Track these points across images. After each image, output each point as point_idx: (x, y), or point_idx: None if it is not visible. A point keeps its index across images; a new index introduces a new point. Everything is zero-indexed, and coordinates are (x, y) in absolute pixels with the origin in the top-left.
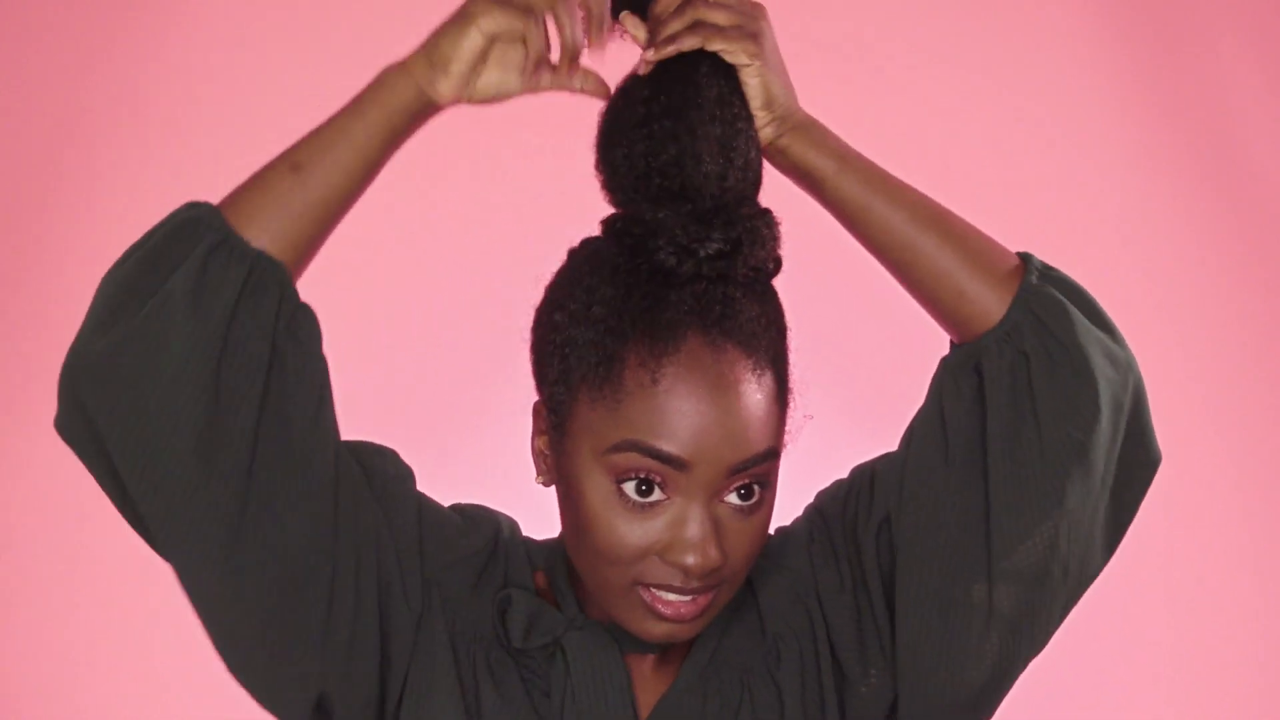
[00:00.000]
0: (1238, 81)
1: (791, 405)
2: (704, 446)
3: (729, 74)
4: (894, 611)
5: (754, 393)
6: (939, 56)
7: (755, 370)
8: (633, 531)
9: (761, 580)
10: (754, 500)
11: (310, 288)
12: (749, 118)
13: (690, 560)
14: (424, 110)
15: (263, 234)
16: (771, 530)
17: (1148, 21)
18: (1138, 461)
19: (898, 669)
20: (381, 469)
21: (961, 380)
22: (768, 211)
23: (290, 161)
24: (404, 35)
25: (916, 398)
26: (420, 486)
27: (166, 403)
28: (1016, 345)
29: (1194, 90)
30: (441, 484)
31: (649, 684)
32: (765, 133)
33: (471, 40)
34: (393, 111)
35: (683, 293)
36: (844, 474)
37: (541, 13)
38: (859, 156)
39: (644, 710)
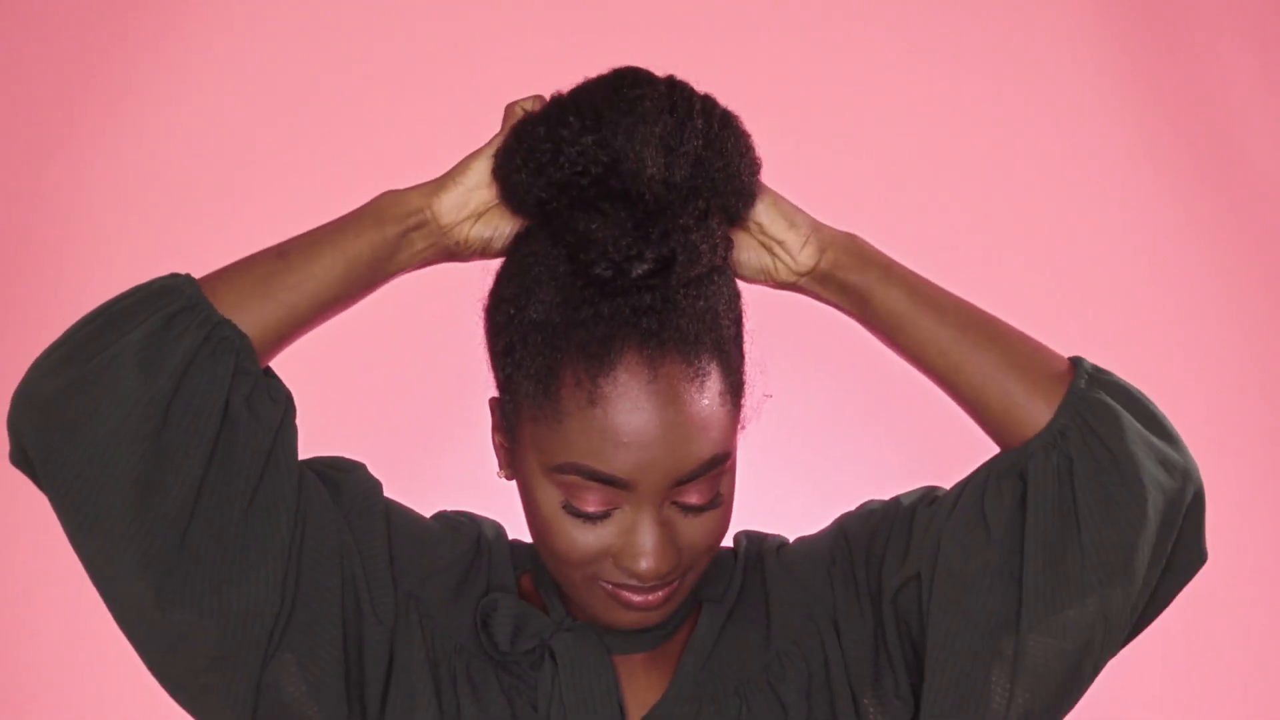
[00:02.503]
0: (1238, 81)
1: (747, 392)
2: (646, 465)
3: (674, 85)
4: (908, 658)
5: (697, 400)
6: (939, 57)
7: (697, 377)
8: (585, 538)
9: (777, 593)
10: (707, 500)
11: None
12: (705, 113)
13: (643, 566)
14: (431, 253)
15: (233, 308)
16: (792, 539)
17: (1148, 21)
18: (1185, 563)
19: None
20: (349, 486)
21: (1005, 484)
22: (706, 218)
23: (279, 248)
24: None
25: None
26: (409, 493)
27: (104, 453)
28: (1063, 451)
29: (1194, 90)
30: (433, 488)
31: (641, 690)
32: (805, 255)
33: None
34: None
35: (617, 303)
36: (869, 492)
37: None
38: (899, 266)
39: (634, 715)
